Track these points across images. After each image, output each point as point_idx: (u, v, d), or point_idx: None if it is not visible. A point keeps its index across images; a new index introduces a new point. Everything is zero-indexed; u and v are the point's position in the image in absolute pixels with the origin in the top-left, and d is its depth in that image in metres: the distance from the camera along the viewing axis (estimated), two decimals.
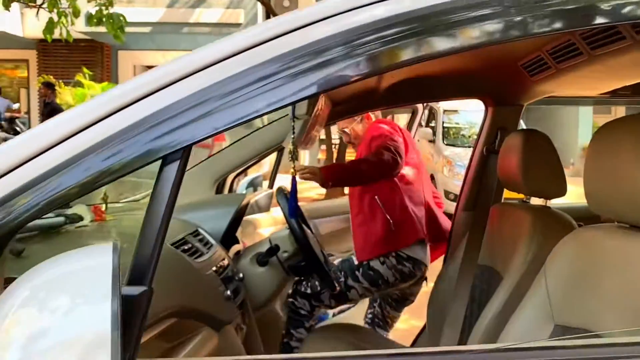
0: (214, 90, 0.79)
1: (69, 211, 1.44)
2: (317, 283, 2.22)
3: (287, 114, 1.72)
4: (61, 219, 1.38)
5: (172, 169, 0.75)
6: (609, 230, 1.26)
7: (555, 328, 1.29)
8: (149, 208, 0.74)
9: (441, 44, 0.83)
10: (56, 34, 5.31)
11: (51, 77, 9.81)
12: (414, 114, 3.29)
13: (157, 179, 0.75)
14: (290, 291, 2.25)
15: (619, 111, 11.34)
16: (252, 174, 3.42)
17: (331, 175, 2.24)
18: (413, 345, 2.47)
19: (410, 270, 2.34)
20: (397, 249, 2.31)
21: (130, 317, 0.69)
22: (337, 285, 2.01)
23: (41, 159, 0.76)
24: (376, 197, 2.34)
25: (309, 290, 2.24)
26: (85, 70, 10.20)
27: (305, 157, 10.47)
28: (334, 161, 8.62)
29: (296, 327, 2.19)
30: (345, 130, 2.59)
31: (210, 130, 0.79)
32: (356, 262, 2.33)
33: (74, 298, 0.64)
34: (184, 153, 0.76)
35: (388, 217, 2.32)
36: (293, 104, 0.82)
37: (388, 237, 2.31)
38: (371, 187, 2.35)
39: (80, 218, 1.43)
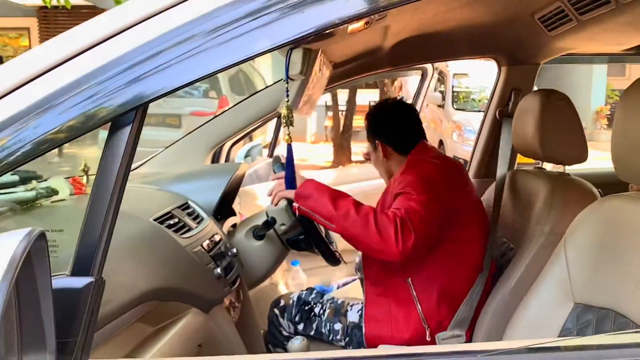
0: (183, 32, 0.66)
1: (43, 184, 1.32)
2: (313, 325, 1.76)
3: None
4: (32, 193, 1.27)
5: (123, 133, 0.62)
6: (637, 200, 1.14)
7: (575, 307, 1.20)
8: (95, 184, 0.61)
9: None
10: (55, 1, 5.14)
11: None
12: (423, 76, 3.04)
13: (105, 146, 0.62)
14: (276, 301, 1.85)
15: (634, 72, 11.00)
16: (253, 142, 3.28)
17: (311, 188, 1.52)
18: None
19: None
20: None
21: (73, 312, 0.57)
22: (340, 259, 1.87)
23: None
24: (409, 280, 1.61)
25: (300, 327, 1.77)
26: None
27: (312, 124, 10.31)
28: (342, 128, 8.49)
29: (275, 346, 1.81)
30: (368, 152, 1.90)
31: (181, 80, 0.66)
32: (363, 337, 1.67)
33: None
34: (137, 113, 0.63)
35: (420, 310, 1.60)
36: (286, 45, 0.69)
37: (415, 330, 1.61)
38: (403, 269, 1.61)
39: (55, 192, 1.32)
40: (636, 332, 0.88)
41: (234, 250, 1.61)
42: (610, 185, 1.43)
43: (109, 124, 0.63)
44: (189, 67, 0.66)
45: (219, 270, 1.41)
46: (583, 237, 1.22)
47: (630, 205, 1.15)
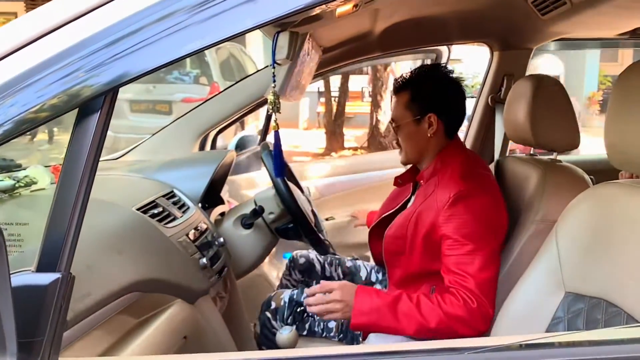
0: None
1: (21, 173, 1.28)
2: (306, 325, 1.67)
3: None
4: (10, 182, 1.23)
5: (91, 120, 0.58)
6: (630, 188, 1.12)
7: (566, 295, 1.18)
8: (62, 174, 0.58)
9: None
10: None
11: None
12: (437, 59, 2.85)
13: (72, 134, 0.58)
14: (266, 303, 1.72)
15: (626, 57, 10.99)
16: (244, 131, 3.23)
17: (367, 317, 1.38)
18: None
19: None
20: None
21: (38, 310, 0.54)
22: (330, 249, 1.84)
23: None
24: (433, 287, 1.53)
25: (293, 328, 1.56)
26: None
27: (304, 111, 10.24)
28: (333, 115, 8.43)
29: (268, 348, 1.71)
30: (397, 123, 1.63)
31: (164, 59, 0.62)
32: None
33: None
34: (106, 99, 0.59)
35: None
36: (273, 22, 0.65)
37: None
38: (429, 277, 1.53)
39: (33, 181, 1.28)
40: (628, 327, 0.86)
41: (221, 239, 1.58)
42: (602, 172, 1.41)
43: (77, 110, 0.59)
44: (171, 44, 0.62)
45: (204, 260, 1.38)
46: (575, 226, 1.20)
47: (622, 193, 1.13)
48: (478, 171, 1.59)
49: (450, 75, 1.62)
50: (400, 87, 1.60)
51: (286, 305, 1.69)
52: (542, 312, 1.20)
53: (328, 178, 2.60)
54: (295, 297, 1.70)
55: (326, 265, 1.89)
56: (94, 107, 0.59)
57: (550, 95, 1.58)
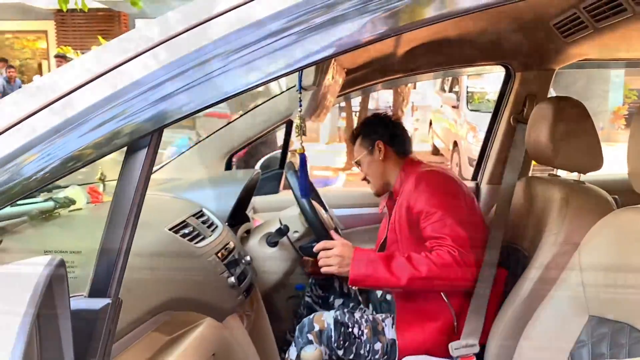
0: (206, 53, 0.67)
1: (60, 194, 1.34)
2: (353, 348, 1.66)
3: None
4: (51, 203, 1.29)
5: (138, 158, 0.63)
6: None
7: (590, 319, 1.19)
8: (112, 207, 0.62)
9: None
10: (72, 4, 5.18)
11: (69, 48, 9.74)
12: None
13: (121, 171, 0.63)
14: (309, 325, 1.66)
15: None
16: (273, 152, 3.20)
17: (365, 268, 1.57)
18: None
19: None
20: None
21: (90, 333, 0.59)
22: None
23: None
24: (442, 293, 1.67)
25: (341, 352, 1.67)
26: (101, 40, 10.11)
27: (326, 124, 10.30)
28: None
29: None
30: (358, 162, 1.90)
31: (208, 100, 0.67)
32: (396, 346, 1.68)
33: None
34: (153, 137, 0.64)
35: (454, 314, 1.66)
36: (303, 68, 0.70)
37: (448, 335, 1.64)
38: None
39: (72, 202, 1.34)
40: None
41: (248, 257, 1.61)
42: (627, 191, 1.41)
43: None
44: (212, 87, 0.66)
45: (232, 279, 1.41)
46: (598, 250, 1.21)
47: None
48: (438, 168, 1.83)
49: (388, 114, 1.96)
50: (354, 136, 1.91)
51: (331, 327, 1.64)
52: (565, 335, 1.21)
53: (353, 208, 2.49)
54: (339, 318, 1.66)
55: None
56: (142, 144, 0.64)
57: (573, 117, 1.58)
